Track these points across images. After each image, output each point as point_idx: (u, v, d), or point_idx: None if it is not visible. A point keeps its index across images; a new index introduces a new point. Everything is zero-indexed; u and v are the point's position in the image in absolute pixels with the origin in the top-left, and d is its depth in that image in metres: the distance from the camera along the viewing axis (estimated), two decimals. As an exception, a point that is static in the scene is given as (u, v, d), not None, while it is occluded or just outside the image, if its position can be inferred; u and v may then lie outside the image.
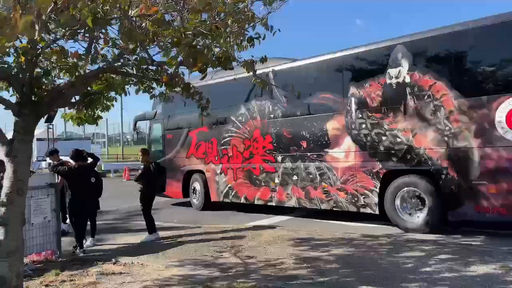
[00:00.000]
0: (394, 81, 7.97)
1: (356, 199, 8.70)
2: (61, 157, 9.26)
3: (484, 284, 5.06)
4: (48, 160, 13.55)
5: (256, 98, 10.23)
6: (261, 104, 10.19)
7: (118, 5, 3.93)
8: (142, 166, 8.61)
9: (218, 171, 11.40)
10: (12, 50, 4.45)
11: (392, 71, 8.02)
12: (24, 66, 4.65)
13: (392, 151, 8.11)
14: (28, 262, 6.58)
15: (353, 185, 8.70)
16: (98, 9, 3.99)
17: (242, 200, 10.94)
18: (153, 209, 8.75)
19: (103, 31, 4.63)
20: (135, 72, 5.21)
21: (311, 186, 9.36)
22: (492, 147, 7.05)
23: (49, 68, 5.21)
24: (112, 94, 6.21)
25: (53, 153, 9.29)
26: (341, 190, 8.92)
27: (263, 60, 5.17)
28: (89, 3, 3.74)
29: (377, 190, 8.34)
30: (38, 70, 5.12)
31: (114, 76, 5.76)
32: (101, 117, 6.76)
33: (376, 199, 8.38)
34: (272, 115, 10.04)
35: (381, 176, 8.29)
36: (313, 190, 9.34)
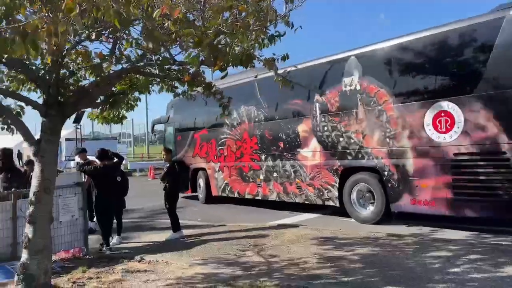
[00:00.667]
0: (348, 88, 9.06)
1: (321, 193, 9.80)
2: (88, 157, 9.47)
3: (516, 285, 4.89)
4: (77, 159, 13.96)
5: (244, 104, 11.34)
6: (248, 109, 11.43)
7: (141, 6, 3.98)
8: (167, 165, 8.70)
9: (217, 169, 12.61)
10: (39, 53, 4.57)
11: (346, 80, 9.09)
12: (50, 68, 4.77)
13: (348, 151, 9.18)
14: (56, 260, 6.74)
15: (319, 181, 9.80)
16: (121, 11, 4.05)
17: (236, 195, 12.06)
18: (178, 208, 8.83)
19: (126, 32, 4.70)
20: (158, 72, 5.26)
21: (288, 182, 10.52)
22: (422, 147, 7.93)
23: (74, 69, 5.33)
24: (136, 94, 6.31)
25: (81, 152, 9.51)
26: (310, 185, 10.02)
27: (284, 58, 5.14)
28: (113, 5, 3.79)
29: (337, 185, 9.41)
30: (64, 71, 5.23)
31: (137, 76, 5.83)
32: (125, 117, 6.88)
33: (336, 193, 9.45)
34: (256, 119, 11.29)
35: (339, 173, 9.36)
36: (289, 186, 10.49)
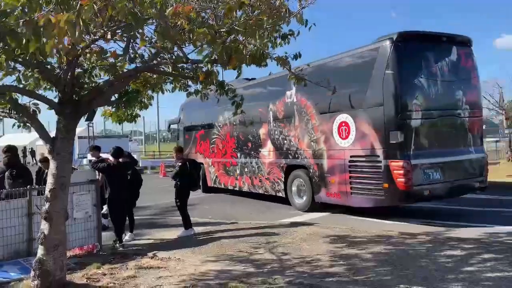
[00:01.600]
0: (288, 100, 11.03)
1: (274, 186, 11.84)
2: (100, 154, 9.56)
3: (531, 285, 4.84)
4: (89, 157, 14.15)
5: (227, 108, 12.40)
6: (229, 114, 12.23)
7: (154, 5, 4.01)
8: (179, 164, 8.75)
9: (210, 164, 14.80)
10: (54, 51, 4.62)
11: (288, 93, 11.10)
12: (65, 67, 4.82)
13: (289, 152, 11.21)
14: (71, 256, 6.83)
15: (272, 176, 11.84)
16: (135, 9, 4.08)
17: (222, 186, 14.17)
18: (189, 205, 8.88)
19: (140, 30, 4.74)
20: (171, 71, 5.29)
21: (254, 176, 12.61)
22: (332, 150, 9.86)
23: (89, 68, 5.38)
24: (149, 92, 6.35)
25: (94, 149, 9.61)
26: (267, 179, 12.10)
27: (297, 56, 5.14)
28: (127, 3, 3.83)
29: (283, 179, 11.39)
30: (79, 70, 5.29)
31: (150, 74, 5.87)
32: (139, 115, 6.93)
33: (283, 186, 11.44)
34: (234, 123, 13.26)
35: (284, 170, 11.37)
36: (255, 179, 12.58)
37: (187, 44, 4.97)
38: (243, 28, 4.30)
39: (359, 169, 9.11)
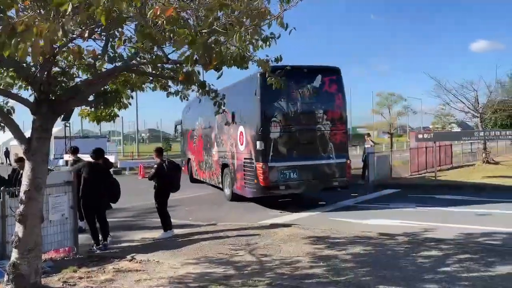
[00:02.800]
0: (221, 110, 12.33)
1: (217, 179, 14.44)
2: (79, 155, 9.40)
3: (505, 284, 4.96)
4: (66, 157, 13.86)
5: (200, 114, 16.07)
6: (202, 118, 16.12)
7: (133, 3, 3.94)
8: (155, 165, 8.67)
9: (193, 159, 18.06)
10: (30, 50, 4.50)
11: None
12: (42, 66, 4.70)
13: (223, 153, 13.73)
14: (46, 259, 6.67)
15: (216, 171, 14.44)
16: (114, 8, 4.01)
17: (200, 178, 17.06)
18: (169, 207, 8.78)
19: (119, 30, 4.66)
20: (151, 71, 5.22)
21: (210, 171, 15.37)
22: (237, 153, 12.35)
23: (66, 67, 5.26)
24: (129, 92, 6.25)
25: (73, 150, 9.47)
26: (214, 174, 14.85)
27: (278, 59, 5.14)
28: (105, 1, 3.75)
29: (220, 174, 13.90)
30: (56, 69, 5.17)
31: (130, 74, 5.78)
32: (117, 115, 6.82)
33: (221, 180, 14.02)
34: (203, 126, 16.04)
35: (221, 166, 13.86)
36: (210, 174, 15.38)
37: (167, 44, 4.92)
38: (223, 29, 4.27)
39: (247, 169, 11.65)
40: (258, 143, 10.94)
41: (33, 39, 3.15)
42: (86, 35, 4.16)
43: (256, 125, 11.05)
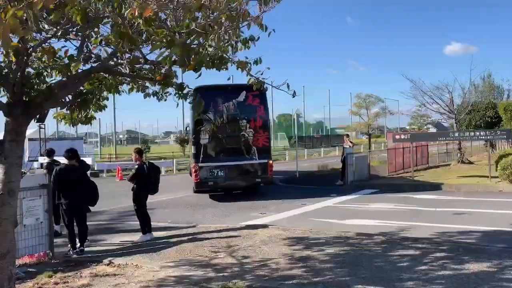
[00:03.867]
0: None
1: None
2: (55, 157, 9.21)
3: (479, 282, 5.07)
4: (41, 160, 13.53)
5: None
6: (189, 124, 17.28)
7: (110, 3, 3.87)
8: (135, 166, 8.56)
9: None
10: (2, 50, 4.37)
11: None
12: (14, 66, 4.57)
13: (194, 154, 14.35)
14: (20, 264, 6.49)
15: (192, 168, 14.43)
16: (90, 7, 3.93)
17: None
18: (148, 209, 8.68)
19: (95, 29, 4.57)
20: (128, 72, 5.14)
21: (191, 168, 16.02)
22: (190, 156, 14.86)
23: (40, 68, 5.13)
24: (105, 93, 6.14)
25: (49, 153, 9.28)
26: (188, 169, 16.94)
27: (257, 62, 5.12)
28: (81, 0, 3.68)
29: (196, 170, 13.68)
30: (29, 70, 5.04)
31: (106, 75, 5.68)
32: (94, 118, 6.68)
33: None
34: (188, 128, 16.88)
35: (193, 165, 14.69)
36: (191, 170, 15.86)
37: (145, 45, 4.85)
38: (202, 30, 4.23)
39: (190, 168, 14.66)
40: (192, 147, 13.95)
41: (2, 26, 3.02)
42: (60, 33, 4.06)
43: (191, 133, 14.04)
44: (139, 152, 8.84)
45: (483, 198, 12.33)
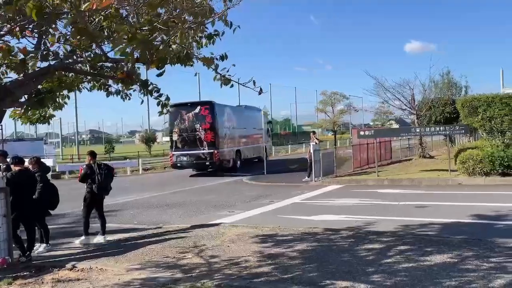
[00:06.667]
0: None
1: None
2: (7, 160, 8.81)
3: (441, 272, 5.24)
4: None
5: None
6: None
7: (68, -2, 3.72)
8: (84, 166, 8.47)
9: None
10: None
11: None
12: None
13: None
14: (-24, 272, 6.18)
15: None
16: (47, 3, 3.76)
17: None
18: (113, 211, 8.50)
19: (53, 26, 4.39)
20: (88, 69, 4.98)
21: None
22: None
23: (-6, 66, 4.90)
24: (65, 92, 5.93)
25: (1, 155, 8.83)
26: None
27: (223, 57, 5.07)
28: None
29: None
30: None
31: (66, 73, 5.48)
32: (53, 116, 6.45)
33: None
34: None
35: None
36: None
37: (106, 42, 4.71)
38: (165, 26, 4.15)
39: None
40: (170, 142, 21.68)
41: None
42: (14, 30, 3.87)
43: (169, 133, 22.17)
44: (92, 154, 8.77)
45: (443, 191, 12.78)
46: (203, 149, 20.40)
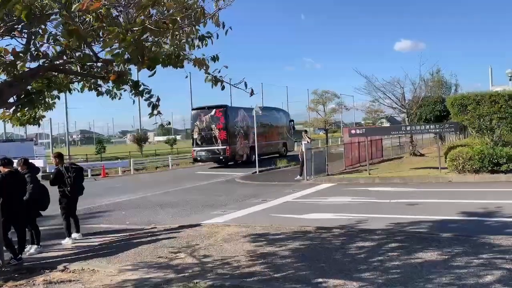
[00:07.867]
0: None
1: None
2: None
3: (432, 269, 5.30)
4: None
5: None
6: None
7: (58, -1, 3.70)
8: (53, 170, 8.50)
9: None
10: None
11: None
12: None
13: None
14: (-34, 275, 6.12)
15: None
16: (36, 3, 3.74)
17: None
18: (105, 212, 8.46)
19: (43, 26, 4.36)
20: (79, 70, 4.95)
21: None
22: None
23: (-17, 67, 4.84)
24: (55, 92, 5.89)
25: None
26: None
27: (214, 59, 5.08)
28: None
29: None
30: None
31: (56, 74, 5.45)
32: (43, 116, 6.40)
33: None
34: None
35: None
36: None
37: (97, 43, 4.68)
38: (156, 27, 4.14)
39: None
40: (193, 140, 25.63)
41: None
42: (3, 30, 3.84)
43: (190, 132, 26.39)
44: (59, 156, 8.74)
45: (434, 188, 12.90)
46: (218, 146, 24.20)
